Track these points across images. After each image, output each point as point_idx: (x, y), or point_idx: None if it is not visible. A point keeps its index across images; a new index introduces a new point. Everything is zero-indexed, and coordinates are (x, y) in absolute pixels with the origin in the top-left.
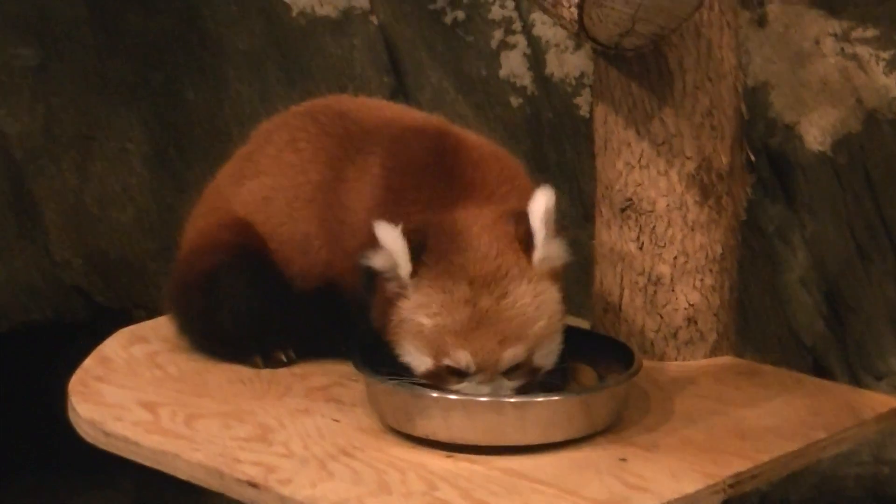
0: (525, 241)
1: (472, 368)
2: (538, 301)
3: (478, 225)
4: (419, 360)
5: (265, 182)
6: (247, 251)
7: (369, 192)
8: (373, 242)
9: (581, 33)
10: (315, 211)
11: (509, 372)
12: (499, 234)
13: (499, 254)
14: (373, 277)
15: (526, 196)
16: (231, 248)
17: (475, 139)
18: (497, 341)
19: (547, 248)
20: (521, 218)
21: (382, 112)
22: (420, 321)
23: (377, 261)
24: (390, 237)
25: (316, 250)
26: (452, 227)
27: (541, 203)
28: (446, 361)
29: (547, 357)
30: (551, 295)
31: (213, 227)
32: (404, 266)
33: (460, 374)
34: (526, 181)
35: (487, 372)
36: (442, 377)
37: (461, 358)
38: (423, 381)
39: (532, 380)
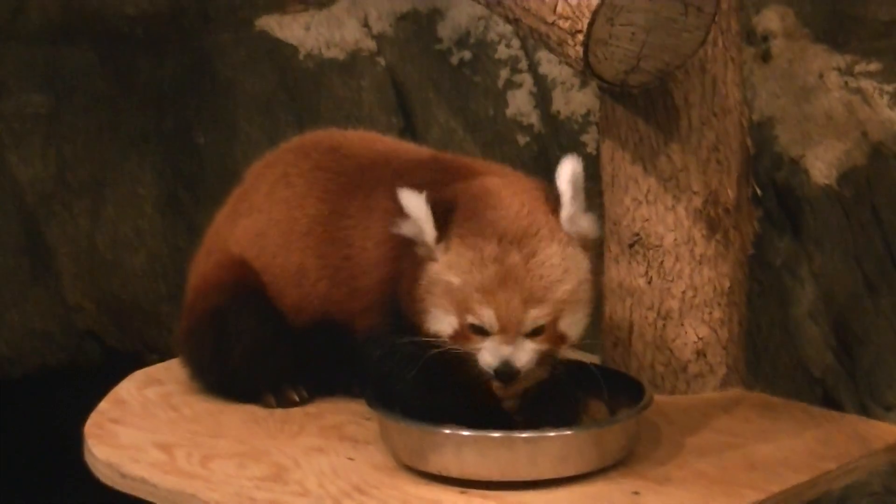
0: (553, 203)
1: (496, 327)
2: (566, 264)
3: (506, 189)
4: (445, 322)
5: (259, 218)
6: (247, 289)
7: (378, 228)
8: (388, 273)
9: (587, 71)
10: (311, 243)
11: (532, 334)
12: (528, 196)
13: (529, 213)
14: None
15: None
16: (231, 287)
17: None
18: (521, 300)
19: (574, 210)
20: (547, 187)
21: (374, 146)
22: (448, 280)
23: (405, 228)
24: (415, 205)
25: (312, 283)
26: (481, 190)
27: (567, 168)
28: (470, 319)
29: (573, 326)
30: (580, 262)
31: (212, 268)
32: (429, 232)
33: (483, 333)
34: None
35: (510, 332)
36: (466, 337)
37: (485, 315)
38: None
39: (556, 349)
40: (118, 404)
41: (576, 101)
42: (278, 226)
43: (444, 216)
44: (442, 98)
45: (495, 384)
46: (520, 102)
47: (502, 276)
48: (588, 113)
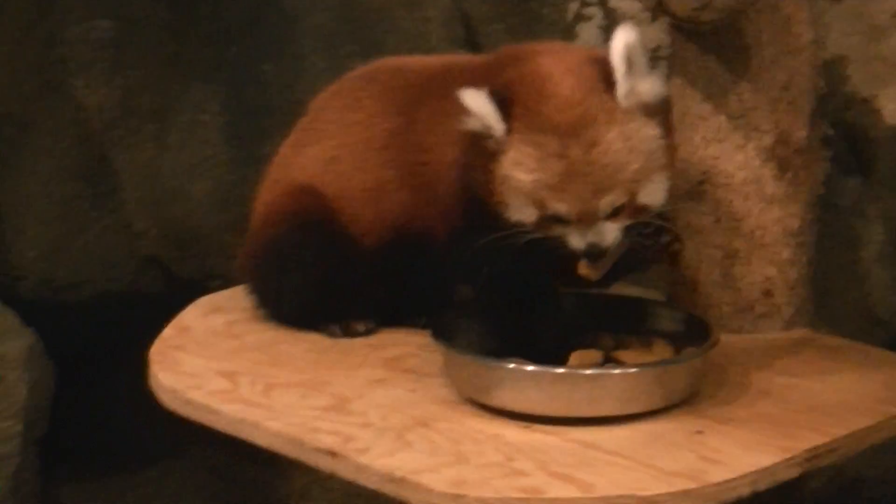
0: (608, 80)
1: (573, 217)
2: (630, 144)
3: (559, 70)
4: (525, 213)
5: (329, 144)
6: (314, 218)
7: (452, 129)
8: (466, 171)
9: (658, 7)
10: (390, 156)
11: (612, 215)
12: (582, 77)
13: (584, 99)
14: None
15: (599, 50)
16: (297, 215)
17: None
18: (591, 191)
19: (631, 83)
20: (602, 59)
21: (439, 60)
22: (518, 177)
23: (472, 123)
24: (477, 101)
25: (391, 195)
26: (535, 76)
27: (620, 40)
28: (548, 211)
29: (652, 195)
30: (646, 133)
31: (277, 197)
32: (497, 126)
33: (564, 222)
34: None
35: (588, 220)
36: (549, 226)
37: (560, 208)
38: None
39: (640, 219)
40: (182, 331)
41: (646, 35)
42: (353, 148)
43: (505, 109)
44: (510, 31)
45: (583, 264)
46: (589, 36)
47: (567, 172)
48: (658, 48)
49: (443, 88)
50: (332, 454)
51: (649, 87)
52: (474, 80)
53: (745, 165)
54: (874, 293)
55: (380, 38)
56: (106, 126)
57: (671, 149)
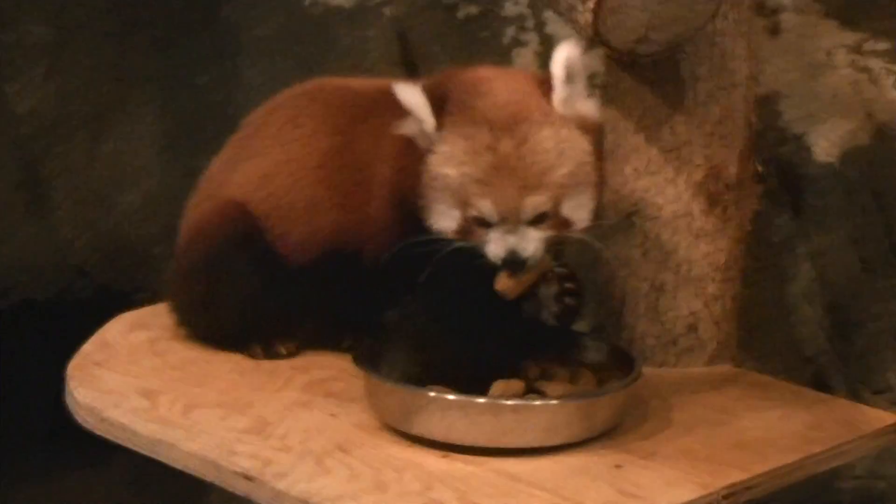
0: (547, 88)
1: (496, 217)
2: (561, 147)
3: (496, 75)
4: (449, 217)
5: (263, 161)
6: (242, 235)
7: (389, 149)
8: (398, 185)
9: (595, 37)
10: (322, 175)
11: (536, 221)
12: (520, 82)
13: (520, 98)
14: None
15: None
16: (226, 233)
17: None
18: (517, 188)
19: (569, 92)
20: (543, 77)
21: (379, 82)
22: (446, 173)
23: (406, 127)
24: (411, 96)
25: (323, 214)
26: (473, 78)
27: (562, 52)
28: (472, 212)
29: (577, 210)
30: (578, 144)
31: (207, 214)
32: (428, 121)
33: (486, 225)
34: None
35: (512, 221)
36: (471, 231)
37: (483, 206)
38: None
39: (562, 234)
40: (103, 347)
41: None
42: (288, 165)
43: (439, 105)
44: (447, 53)
45: (502, 277)
46: (525, 61)
47: (496, 165)
48: (593, 76)
49: (381, 109)
50: (249, 478)
51: (587, 106)
52: None
53: (675, 199)
54: (801, 330)
55: (318, 54)
56: (38, 132)
57: (601, 171)
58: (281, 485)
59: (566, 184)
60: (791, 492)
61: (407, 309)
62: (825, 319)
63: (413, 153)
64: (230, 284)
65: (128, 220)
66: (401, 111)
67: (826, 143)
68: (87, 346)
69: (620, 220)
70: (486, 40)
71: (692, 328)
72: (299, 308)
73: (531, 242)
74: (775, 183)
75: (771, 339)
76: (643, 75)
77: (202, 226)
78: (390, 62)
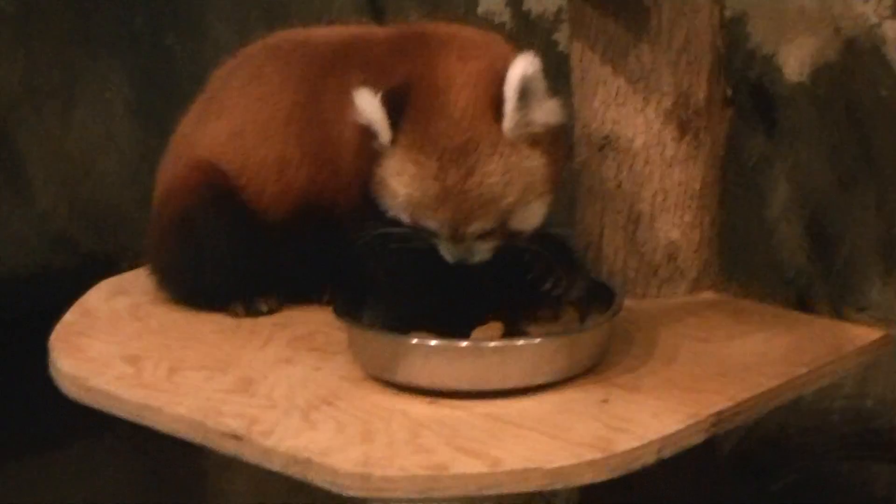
0: (499, 107)
1: (442, 234)
2: (508, 176)
3: (458, 81)
4: (401, 216)
5: (232, 119)
6: (216, 193)
7: (351, 107)
8: (361, 152)
9: None
10: (292, 131)
11: (482, 238)
12: (476, 96)
13: (471, 124)
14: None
15: (509, 56)
16: (199, 191)
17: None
18: (463, 215)
19: (520, 115)
20: (499, 82)
21: (343, 32)
22: (394, 187)
23: (362, 118)
24: (370, 106)
25: (295, 169)
26: (434, 83)
27: (517, 70)
28: (419, 222)
29: (525, 222)
30: (528, 164)
31: (179, 173)
32: (384, 134)
33: (436, 235)
34: (506, 46)
35: (457, 239)
36: (421, 234)
37: (431, 225)
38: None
39: (511, 242)
40: (84, 315)
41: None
42: (255, 122)
43: (396, 113)
44: None
45: None
46: (491, 1)
47: (440, 195)
48: (560, 10)
49: (346, 63)
50: (237, 438)
51: (543, 116)
52: (377, 58)
53: (645, 128)
54: (781, 251)
55: (284, 6)
56: (9, 104)
57: (556, 173)
58: (269, 442)
59: (511, 208)
60: (780, 414)
61: (383, 262)
62: (805, 238)
63: (370, 142)
64: (206, 244)
65: (106, 186)
66: (364, 64)
67: (795, 62)
68: (69, 316)
69: (592, 153)
70: None
71: (671, 257)
72: (278, 264)
73: (478, 253)
74: (747, 105)
75: (752, 263)
76: (605, 5)
77: (174, 187)
78: (357, 9)
